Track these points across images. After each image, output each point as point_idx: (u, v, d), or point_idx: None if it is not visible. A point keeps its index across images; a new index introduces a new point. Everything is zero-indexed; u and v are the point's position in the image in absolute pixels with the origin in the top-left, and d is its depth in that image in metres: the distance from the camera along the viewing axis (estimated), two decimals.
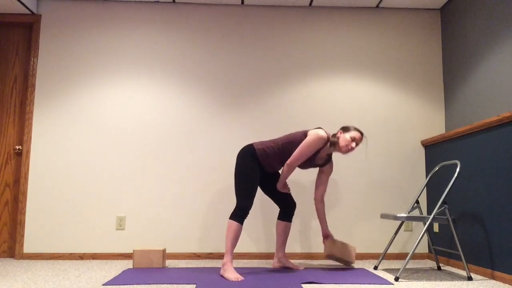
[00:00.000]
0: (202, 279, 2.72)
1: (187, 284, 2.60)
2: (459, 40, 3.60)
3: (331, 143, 2.97)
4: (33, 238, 3.57)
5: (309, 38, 3.89)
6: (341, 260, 3.22)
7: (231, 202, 3.68)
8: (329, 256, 3.21)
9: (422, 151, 3.82)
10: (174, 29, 3.84)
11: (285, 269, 3.13)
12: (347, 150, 2.95)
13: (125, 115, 3.74)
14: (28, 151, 3.64)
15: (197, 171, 3.71)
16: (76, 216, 3.62)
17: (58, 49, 3.77)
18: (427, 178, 3.38)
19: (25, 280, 2.66)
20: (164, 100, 3.77)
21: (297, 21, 3.90)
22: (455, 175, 2.93)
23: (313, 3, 3.86)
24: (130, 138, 3.71)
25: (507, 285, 2.67)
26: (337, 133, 3.03)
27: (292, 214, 3.17)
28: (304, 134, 2.95)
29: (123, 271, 2.99)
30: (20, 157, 3.72)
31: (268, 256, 3.65)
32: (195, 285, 2.56)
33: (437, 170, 3.58)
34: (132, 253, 3.61)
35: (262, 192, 3.67)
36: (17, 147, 3.69)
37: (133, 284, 2.57)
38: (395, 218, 2.87)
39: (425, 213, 3.78)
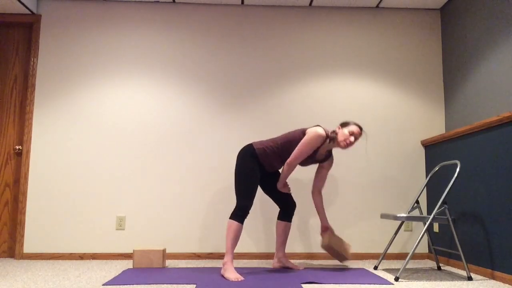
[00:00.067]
0: (202, 279, 2.72)
1: (187, 284, 2.60)
2: (459, 40, 3.61)
3: (330, 139, 2.97)
4: (33, 238, 3.57)
5: (309, 38, 3.89)
6: (337, 254, 3.17)
7: (231, 202, 3.68)
8: (326, 248, 3.17)
9: (422, 151, 3.82)
10: (174, 29, 3.84)
11: (285, 269, 3.13)
12: (346, 144, 2.93)
13: (125, 115, 3.74)
14: (28, 151, 3.64)
15: (197, 171, 3.71)
16: (76, 216, 3.62)
17: (58, 49, 3.77)
18: (427, 178, 3.38)
19: (25, 280, 2.66)
20: (164, 100, 3.77)
21: (297, 21, 3.90)
22: (455, 175, 2.93)
23: (313, 3, 3.86)
24: (130, 138, 3.71)
25: (507, 285, 2.67)
26: (336, 129, 3.02)
27: (292, 214, 3.17)
28: (303, 133, 2.95)
29: (123, 271, 2.99)
30: (20, 157, 3.72)
31: (268, 256, 3.65)
32: (195, 285, 2.56)
33: (437, 170, 3.58)
34: (132, 253, 3.61)
35: (262, 192, 3.68)
36: (17, 147, 3.69)
37: (133, 284, 2.57)
38: (395, 218, 2.87)
39: (425, 213, 3.78)
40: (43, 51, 3.75)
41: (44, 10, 3.79)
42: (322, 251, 3.67)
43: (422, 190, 3.29)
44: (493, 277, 2.84)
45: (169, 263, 3.43)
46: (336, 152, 3.77)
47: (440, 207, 2.94)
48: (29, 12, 3.74)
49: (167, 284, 2.59)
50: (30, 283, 2.57)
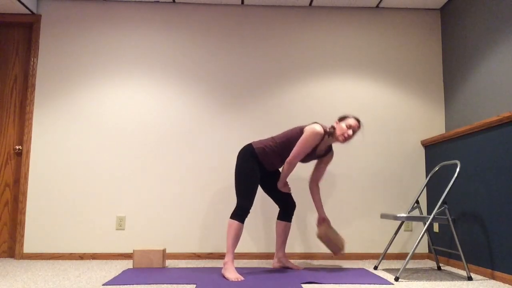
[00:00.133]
0: (202, 279, 2.72)
1: (187, 284, 2.60)
2: (459, 40, 3.61)
3: (328, 135, 2.96)
4: (33, 238, 3.57)
5: (309, 38, 3.89)
6: (332, 245, 3.12)
7: (231, 202, 3.68)
8: (321, 238, 3.14)
9: (422, 151, 3.82)
10: (174, 29, 3.84)
11: (285, 269, 3.13)
12: (344, 138, 2.92)
13: (125, 115, 3.74)
14: (28, 151, 3.64)
15: (197, 171, 3.71)
16: (76, 216, 3.62)
17: (58, 49, 3.77)
18: (427, 178, 3.38)
19: (25, 280, 2.66)
20: (164, 100, 3.77)
21: (297, 21, 3.90)
22: (455, 175, 2.93)
23: (313, 3, 3.86)
24: (130, 138, 3.71)
25: (507, 285, 2.67)
26: (334, 123, 3.01)
27: (292, 214, 3.17)
28: (301, 130, 2.95)
29: (123, 271, 2.99)
30: (20, 157, 3.72)
31: (268, 256, 3.65)
32: (195, 285, 2.56)
33: (437, 170, 3.58)
34: (132, 253, 3.61)
35: (263, 192, 3.68)
36: (17, 147, 3.69)
37: (133, 284, 2.57)
38: (395, 218, 2.87)
39: (425, 213, 3.78)
40: (43, 51, 3.75)
41: (44, 10, 3.79)
42: (322, 251, 3.67)
43: (422, 190, 3.29)
44: (493, 277, 2.84)
45: (169, 263, 3.43)
46: (336, 152, 3.77)
47: (440, 207, 2.94)
48: (29, 12, 3.74)
49: (167, 284, 2.59)
50: (30, 283, 2.57)
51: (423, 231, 2.90)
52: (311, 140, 2.88)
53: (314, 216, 3.71)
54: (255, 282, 2.65)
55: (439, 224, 3.56)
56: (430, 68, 3.90)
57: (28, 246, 3.57)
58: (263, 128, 3.77)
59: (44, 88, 3.72)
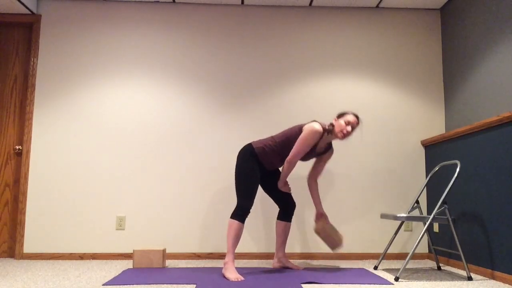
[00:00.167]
0: (202, 279, 2.72)
1: (187, 284, 2.60)
2: (459, 40, 3.61)
3: (327, 132, 2.96)
4: (33, 238, 3.57)
5: (309, 38, 3.89)
6: (329, 239, 3.10)
7: (231, 202, 3.68)
8: (319, 233, 3.12)
9: (422, 151, 3.82)
10: (174, 29, 3.84)
11: (285, 269, 3.13)
12: (343, 135, 2.91)
13: (125, 115, 3.74)
14: (28, 151, 3.64)
15: (197, 171, 3.71)
16: (76, 216, 3.62)
17: (58, 49, 3.77)
18: (427, 178, 3.38)
19: (25, 280, 2.66)
20: (164, 100, 3.77)
21: (297, 21, 3.90)
22: (455, 175, 2.93)
23: (313, 3, 3.86)
24: (130, 138, 3.71)
25: (507, 285, 2.67)
26: (332, 121, 3.00)
27: (292, 214, 3.17)
28: (300, 129, 2.94)
29: (123, 271, 2.99)
30: (20, 157, 3.72)
31: (268, 256, 3.65)
32: (195, 285, 2.56)
33: (437, 170, 3.58)
34: (132, 253, 3.61)
35: (263, 192, 3.68)
36: (17, 147, 3.69)
37: (133, 284, 2.57)
38: (395, 218, 2.87)
39: (425, 213, 3.78)
40: (43, 51, 3.75)
41: (44, 10, 3.79)
42: (322, 251, 3.67)
43: (422, 190, 3.29)
44: (493, 277, 2.84)
45: (169, 263, 3.43)
46: (336, 152, 3.77)
47: (440, 207, 2.94)
48: (29, 12, 3.74)
49: (167, 284, 2.59)
50: (30, 283, 2.57)
51: (423, 231, 2.90)
52: (310, 139, 2.88)
53: (313, 215, 3.71)
54: (255, 282, 2.65)
55: (439, 224, 3.56)
56: (430, 68, 3.90)
57: (28, 246, 3.57)
58: (263, 128, 3.77)
59: (44, 88, 3.72)
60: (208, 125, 3.76)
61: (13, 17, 3.75)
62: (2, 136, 3.74)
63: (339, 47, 3.89)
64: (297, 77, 3.84)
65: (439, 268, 3.22)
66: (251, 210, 3.65)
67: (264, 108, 3.80)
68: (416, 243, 2.84)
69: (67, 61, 3.76)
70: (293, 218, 3.70)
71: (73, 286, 2.50)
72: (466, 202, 3.18)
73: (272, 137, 3.04)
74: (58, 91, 3.73)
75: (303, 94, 3.82)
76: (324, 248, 3.67)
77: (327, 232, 3.10)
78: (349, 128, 2.91)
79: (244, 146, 3.04)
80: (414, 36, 3.92)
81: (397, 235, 3.73)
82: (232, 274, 2.74)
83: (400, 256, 3.70)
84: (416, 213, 3.62)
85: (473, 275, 2.99)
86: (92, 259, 3.58)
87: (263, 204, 3.70)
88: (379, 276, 2.88)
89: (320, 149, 3.06)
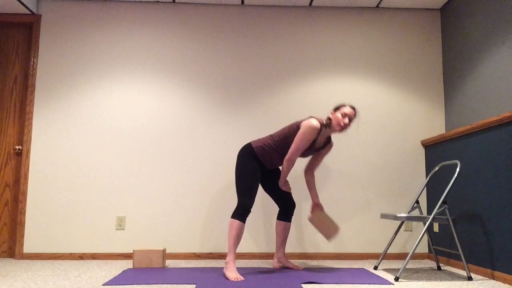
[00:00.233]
0: (202, 279, 2.72)
1: (187, 284, 2.60)
2: (459, 40, 3.61)
3: (325, 126, 2.95)
4: (33, 238, 3.57)
5: (309, 38, 3.89)
6: (324, 227, 3.06)
7: (231, 202, 3.68)
8: (313, 222, 3.10)
9: (422, 151, 3.82)
10: (174, 29, 3.84)
11: (285, 269, 3.13)
12: (341, 127, 2.90)
13: (125, 114, 3.74)
14: (28, 151, 3.64)
15: (197, 171, 3.71)
16: (76, 216, 3.62)
17: (58, 49, 3.77)
18: (427, 178, 3.38)
19: (25, 280, 2.66)
20: (164, 100, 3.77)
21: (297, 21, 3.90)
22: (455, 175, 2.93)
23: (313, 3, 3.86)
24: (130, 138, 3.71)
25: (507, 285, 2.67)
26: (329, 115, 2.99)
27: (292, 214, 3.17)
28: (298, 126, 2.93)
29: (123, 271, 2.99)
30: (20, 157, 3.72)
31: (268, 256, 3.65)
32: (195, 285, 2.56)
33: (437, 170, 3.58)
34: (132, 253, 3.61)
35: (263, 192, 3.68)
36: (17, 147, 3.69)
37: (133, 284, 2.57)
38: (395, 218, 2.87)
39: (425, 213, 3.78)
40: (43, 51, 3.75)
41: (44, 10, 3.79)
42: (322, 251, 3.67)
43: (422, 190, 3.29)
44: (493, 277, 2.84)
45: (169, 263, 3.43)
46: (336, 152, 3.77)
47: (440, 207, 2.94)
48: (29, 12, 3.74)
49: (167, 284, 2.59)
50: (30, 283, 2.57)
51: (423, 231, 2.90)
52: (308, 135, 2.87)
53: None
54: (255, 282, 2.65)
55: (439, 224, 3.56)
56: (430, 68, 3.90)
57: (28, 246, 3.57)
58: (263, 128, 3.77)
59: (44, 88, 3.72)
60: (208, 124, 3.76)
61: (13, 17, 3.75)
62: (2, 136, 3.74)
63: (339, 47, 3.89)
64: (297, 77, 3.84)
65: (439, 268, 3.22)
66: (251, 210, 3.66)
67: (264, 107, 3.80)
68: (416, 243, 2.84)
69: (67, 61, 3.76)
70: (293, 218, 3.70)
71: (73, 286, 2.50)
72: (466, 202, 3.18)
73: (271, 135, 3.04)
74: (58, 91, 3.73)
75: (303, 93, 3.83)
76: (324, 248, 3.67)
77: (321, 220, 3.07)
78: (346, 120, 2.90)
79: (244, 146, 3.04)
80: (414, 36, 3.92)
81: (397, 235, 3.73)
82: (232, 274, 2.74)
83: (400, 256, 3.70)
84: (416, 213, 3.62)
85: (473, 275, 2.99)
86: (92, 259, 3.58)
87: (263, 204, 3.70)
88: (379, 276, 2.88)
89: (320, 144, 3.05)
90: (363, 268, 3.20)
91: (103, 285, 2.55)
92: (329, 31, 3.90)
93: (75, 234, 3.60)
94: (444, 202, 2.95)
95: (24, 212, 3.59)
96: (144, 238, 3.63)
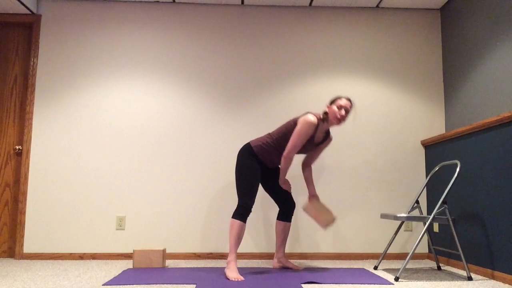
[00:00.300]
0: (202, 279, 2.72)
1: (187, 284, 2.60)
2: (459, 40, 3.61)
3: (323, 120, 2.94)
4: (33, 238, 3.57)
5: (309, 38, 3.89)
6: (319, 215, 3.01)
7: (231, 202, 3.68)
8: (308, 210, 3.07)
9: (422, 151, 3.82)
10: (174, 29, 3.84)
11: (285, 269, 3.13)
12: (339, 120, 2.89)
13: (125, 114, 3.74)
14: (28, 151, 3.64)
15: (197, 171, 3.71)
16: (76, 216, 3.62)
17: (58, 49, 3.77)
18: (427, 178, 3.38)
19: (25, 280, 2.66)
20: (164, 100, 3.77)
21: (297, 21, 3.90)
22: (455, 175, 2.93)
23: (313, 3, 3.86)
24: (130, 138, 3.71)
25: (507, 285, 2.67)
26: (326, 109, 2.98)
27: (291, 214, 3.17)
28: (295, 123, 2.93)
29: (123, 271, 2.99)
30: (20, 157, 3.72)
31: (268, 256, 3.65)
32: (195, 285, 2.56)
33: (437, 170, 3.58)
34: (132, 253, 3.61)
35: (263, 192, 3.68)
36: (17, 147, 3.69)
37: (133, 284, 2.57)
38: (395, 218, 2.87)
39: (425, 213, 3.78)
40: (43, 51, 3.75)
41: (44, 10, 3.79)
42: (322, 251, 3.67)
43: (422, 190, 3.29)
44: (493, 277, 2.84)
45: (169, 263, 3.43)
46: (336, 151, 3.77)
47: (440, 207, 2.94)
48: (29, 12, 3.74)
49: (167, 284, 2.59)
50: (30, 283, 2.57)
51: (423, 231, 2.90)
52: (305, 131, 2.86)
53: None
54: (255, 282, 2.65)
55: (439, 224, 3.56)
56: (430, 68, 3.90)
57: (28, 246, 3.57)
58: (263, 128, 3.77)
59: (44, 88, 3.72)
60: (208, 124, 3.76)
61: (13, 17, 3.75)
62: (2, 136, 3.74)
63: (339, 47, 3.89)
64: (297, 77, 3.84)
65: (439, 268, 3.22)
66: (252, 210, 3.66)
67: (264, 107, 3.80)
68: (416, 243, 2.84)
69: (67, 61, 3.76)
70: (293, 218, 3.70)
71: (73, 286, 2.50)
72: (466, 202, 3.17)
73: (269, 134, 3.04)
74: (58, 91, 3.73)
75: (303, 93, 3.83)
76: (324, 248, 3.67)
77: (316, 209, 3.05)
78: (342, 112, 2.89)
79: (243, 146, 3.04)
80: (414, 36, 3.92)
81: (397, 235, 3.73)
82: (232, 274, 2.74)
83: (400, 256, 3.70)
84: (416, 213, 3.62)
85: (473, 275, 2.99)
86: (92, 259, 3.58)
87: (264, 204, 3.70)
88: (379, 276, 2.88)
89: (318, 139, 3.04)
90: (363, 268, 3.20)
91: (103, 285, 2.55)
92: (329, 31, 3.90)
93: (75, 234, 3.60)
94: (444, 202, 2.95)
95: (24, 212, 3.59)
96: (144, 238, 3.63)
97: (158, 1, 3.84)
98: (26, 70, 3.80)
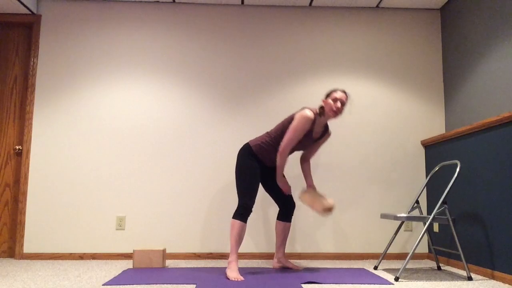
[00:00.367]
0: (202, 279, 2.72)
1: (187, 284, 2.60)
2: (459, 40, 3.61)
3: (320, 115, 2.94)
4: (33, 238, 3.57)
5: (309, 38, 3.89)
6: (316, 203, 2.97)
7: (231, 202, 3.68)
8: (305, 199, 3.04)
9: (422, 151, 3.82)
10: (174, 29, 3.84)
11: (285, 269, 3.13)
12: (335, 113, 2.89)
13: (125, 114, 3.74)
14: (28, 151, 3.64)
15: (197, 171, 3.71)
16: (76, 216, 3.62)
17: (58, 49, 3.77)
18: (427, 178, 3.38)
19: (25, 280, 2.66)
20: (164, 100, 3.77)
21: (297, 21, 3.90)
22: (455, 175, 2.93)
23: (313, 3, 3.86)
24: (130, 138, 3.71)
25: (507, 285, 2.67)
26: (321, 103, 2.97)
27: (291, 214, 3.17)
28: (291, 119, 2.93)
29: (123, 271, 2.99)
30: (20, 157, 3.72)
31: (268, 256, 3.65)
32: (195, 285, 2.56)
33: (437, 170, 3.58)
34: (132, 253, 3.61)
35: (263, 192, 3.68)
36: (17, 147, 3.69)
37: (133, 284, 2.57)
38: (395, 218, 2.87)
39: (425, 213, 3.78)
40: (43, 51, 3.75)
41: (44, 10, 3.79)
42: (322, 251, 3.67)
43: (422, 190, 3.29)
44: (493, 277, 2.84)
45: (169, 263, 3.43)
46: (336, 151, 3.77)
47: (440, 207, 2.94)
48: (29, 12, 3.74)
49: (167, 284, 2.59)
50: (30, 283, 2.57)
51: (423, 231, 2.90)
52: (301, 126, 2.85)
53: (314, 216, 3.71)
54: (255, 282, 2.65)
55: (439, 224, 3.56)
56: (430, 68, 3.90)
57: (28, 246, 3.57)
58: (263, 128, 3.77)
59: (44, 88, 3.72)
60: (207, 124, 3.76)
61: (13, 17, 3.75)
62: (2, 136, 3.74)
63: (339, 47, 3.89)
64: (297, 77, 3.84)
65: (439, 268, 3.22)
66: (252, 210, 3.66)
67: (264, 107, 3.80)
68: (416, 243, 2.84)
69: (67, 61, 3.76)
70: (293, 218, 3.70)
71: (73, 286, 2.50)
72: (466, 202, 3.18)
73: (267, 132, 3.04)
74: (58, 91, 3.73)
75: (303, 93, 3.82)
76: (324, 248, 3.67)
77: (313, 196, 3.01)
78: (338, 104, 2.88)
79: (243, 146, 3.04)
80: (414, 36, 3.92)
81: (397, 235, 3.73)
82: (232, 273, 2.74)
83: (400, 256, 3.70)
84: (416, 213, 3.62)
85: (473, 275, 2.99)
86: (92, 259, 3.58)
87: (263, 204, 3.70)
88: (379, 276, 2.88)
89: (317, 134, 3.03)
90: (363, 268, 3.20)
91: (103, 285, 2.55)
92: (329, 31, 3.90)
93: (75, 234, 3.60)
94: (444, 202, 2.95)
95: (24, 212, 3.59)
96: (144, 238, 3.63)
97: (158, 1, 3.84)
98: (26, 70, 3.80)
